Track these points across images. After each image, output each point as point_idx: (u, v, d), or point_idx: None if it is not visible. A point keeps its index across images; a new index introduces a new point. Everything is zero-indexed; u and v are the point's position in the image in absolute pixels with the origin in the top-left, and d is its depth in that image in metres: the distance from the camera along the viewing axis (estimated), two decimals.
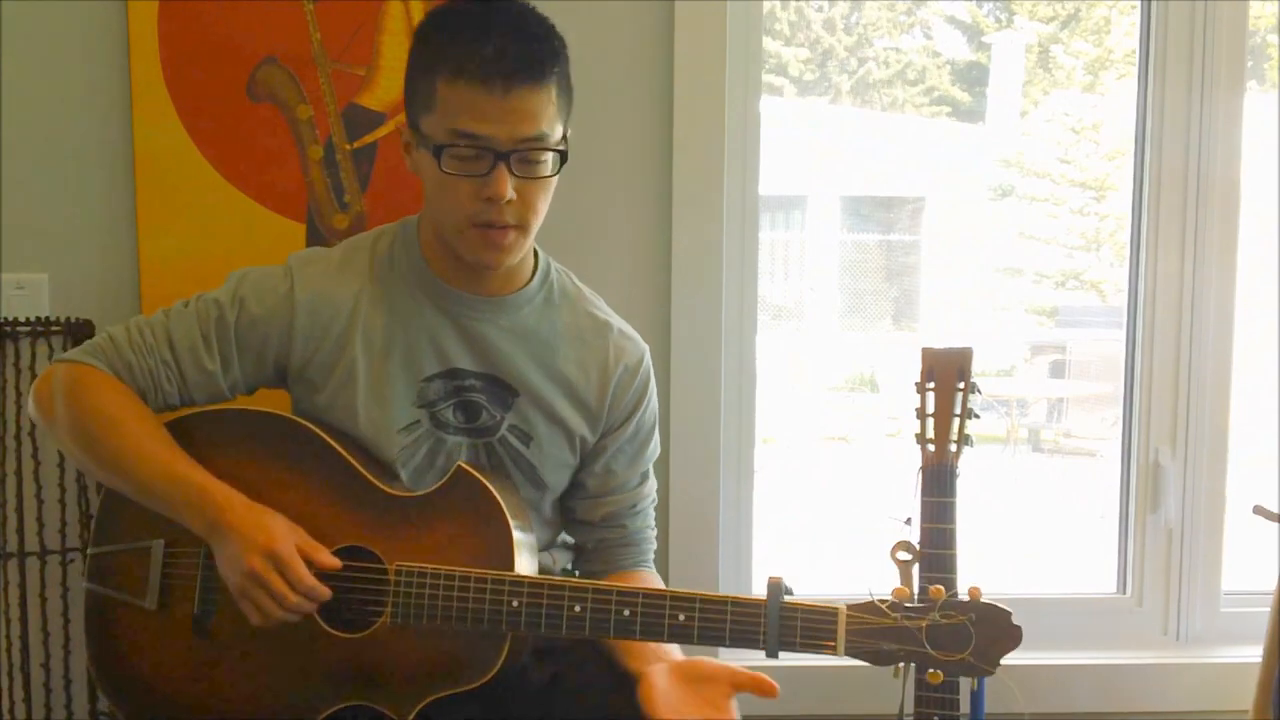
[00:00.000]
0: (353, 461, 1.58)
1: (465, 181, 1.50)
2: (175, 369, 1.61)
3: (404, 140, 1.59)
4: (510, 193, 1.50)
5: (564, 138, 1.54)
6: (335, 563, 1.51)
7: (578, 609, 1.46)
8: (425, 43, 1.55)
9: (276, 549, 1.47)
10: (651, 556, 1.77)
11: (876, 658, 1.40)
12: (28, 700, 2.02)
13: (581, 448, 1.70)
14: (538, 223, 1.58)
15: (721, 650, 1.59)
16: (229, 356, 1.62)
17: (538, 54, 1.50)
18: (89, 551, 1.67)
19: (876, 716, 2.00)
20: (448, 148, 1.49)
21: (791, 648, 1.42)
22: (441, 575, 1.48)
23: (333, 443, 1.59)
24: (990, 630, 1.39)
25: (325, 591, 1.50)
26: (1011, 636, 1.39)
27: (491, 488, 1.52)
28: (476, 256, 1.58)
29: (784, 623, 1.42)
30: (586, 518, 1.74)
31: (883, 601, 1.41)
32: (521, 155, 1.50)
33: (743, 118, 2.14)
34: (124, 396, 1.59)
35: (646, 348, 1.74)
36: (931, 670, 1.40)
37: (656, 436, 1.77)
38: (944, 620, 1.38)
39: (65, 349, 1.99)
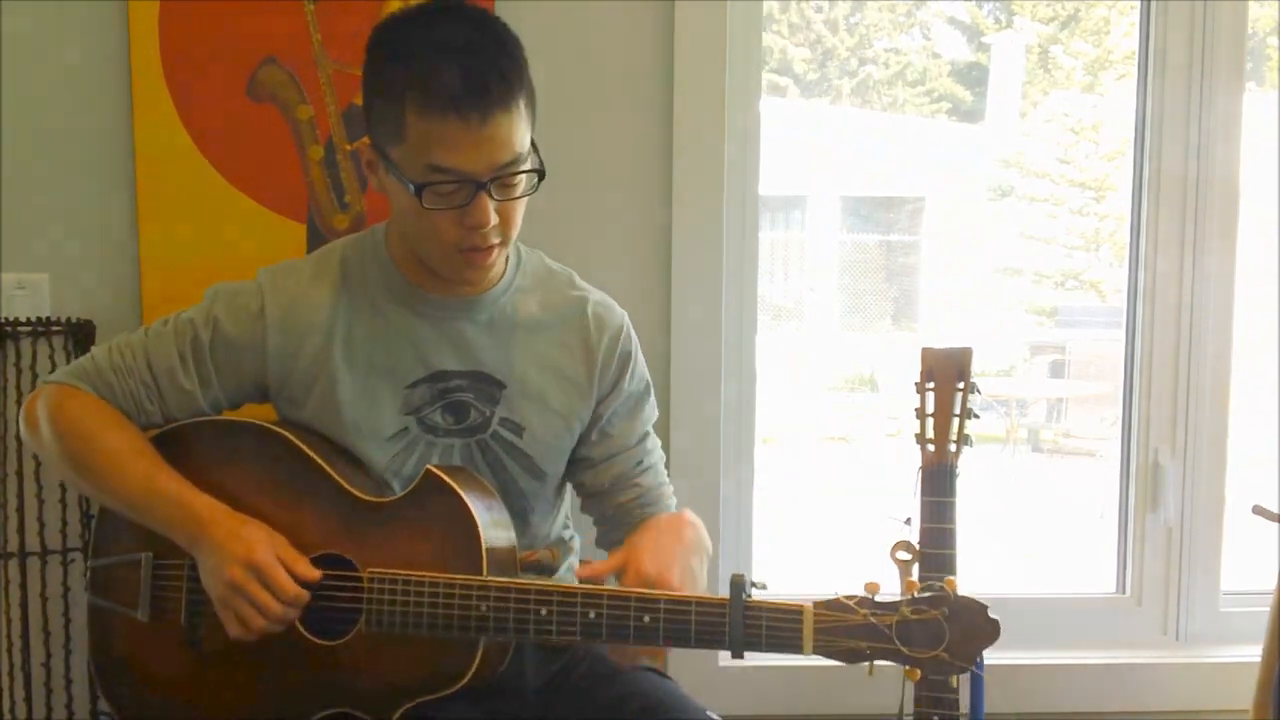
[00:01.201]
0: (328, 469, 1.57)
1: (446, 211, 1.48)
2: (155, 389, 1.61)
3: (366, 159, 1.56)
4: (493, 217, 1.49)
5: (532, 145, 1.51)
6: (314, 573, 1.51)
7: (544, 612, 1.44)
8: (384, 65, 1.49)
9: (256, 559, 1.47)
10: (674, 508, 1.72)
11: (847, 656, 1.35)
12: (28, 700, 2.02)
13: (579, 428, 1.69)
14: (517, 232, 1.56)
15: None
16: (206, 376, 1.61)
17: (506, 73, 1.46)
18: (89, 564, 1.68)
19: (876, 716, 2.00)
20: (428, 186, 1.46)
21: (757, 648, 1.38)
22: (412, 581, 1.47)
23: (309, 450, 1.58)
24: (965, 625, 1.31)
25: (305, 595, 1.49)
26: (988, 631, 1.32)
27: (460, 491, 1.50)
28: (462, 277, 1.57)
29: (748, 623, 1.38)
30: (597, 487, 1.71)
31: (850, 598, 1.35)
32: (501, 180, 1.48)
33: (743, 118, 2.14)
34: (107, 414, 1.59)
35: (624, 313, 1.72)
36: (907, 668, 1.34)
37: (652, 401, 1.74)
38: (914, 616, 1.32)
39: (66, 349, 1.99)
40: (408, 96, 1.44)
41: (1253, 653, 1.95)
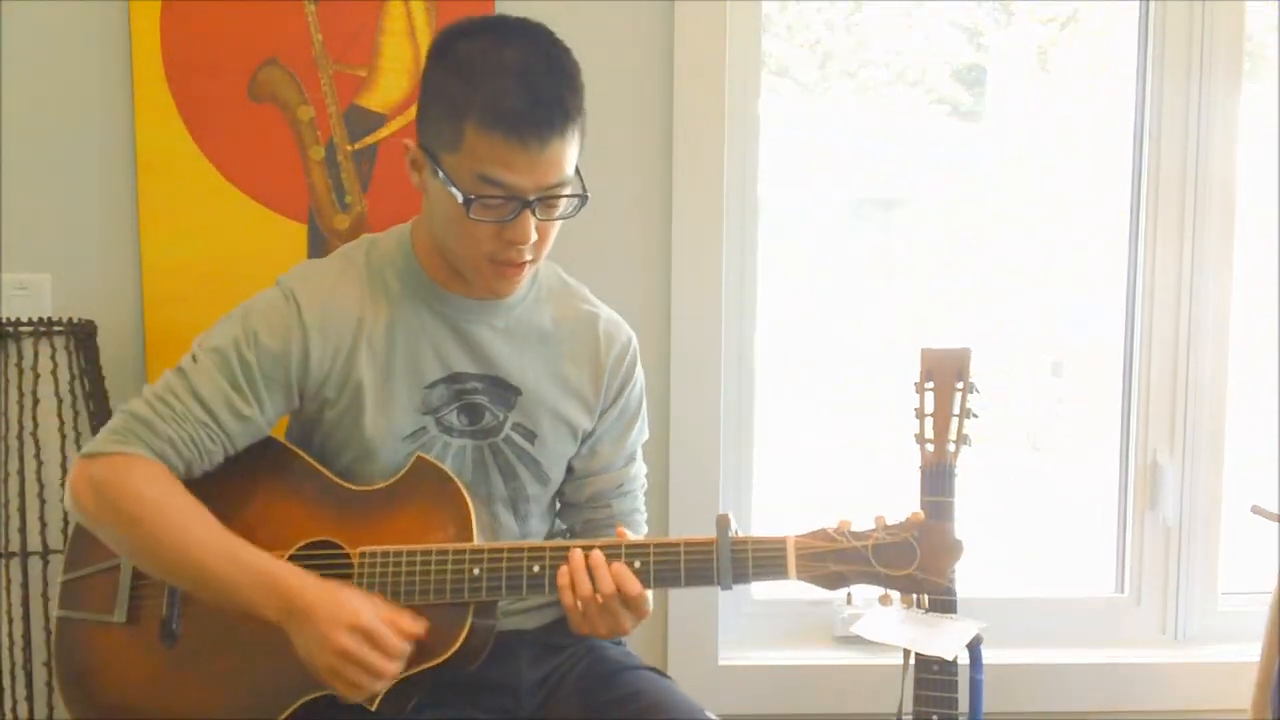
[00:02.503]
0: (314, 463, 1.60)
1: (488, 223, 1.51)
2: (215, 426, 1.55)
3: (410, 157, 1.56)
4: (533, 235, 1.51)
5: (576, 170, 1.54)
6: (419, 627, 1.47)
7: (536, 569, 1.49)
8: (449, 77, 1.50)
9: (363, 623, 1.44)
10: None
11: (828, 581, 1.44)
12: (29, 699, 2.02)
13: (581, 439, 1.71)
14: (548, 250, 1.60)
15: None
16: (260, 396, 1.58)
17: (568, 103, 1.49)
18: (61, 579, 1.67)
19: (876, 716, 2.00)
20: (477, 199, 1.48)
21: (744, 579, 1.46)
22: (404, 553, 1.51)
23: (291, 446, 1.62)
24: (933, 544, 1.43)
25: (409, 649, 1.47)
26: (954, 548, 1.43)
27: (448, 470, 1.57)
28: (490, 287, 1.59)
29: (735, 556, 1.46)
30: (573, 499, 1.75)
31: (828, 528, 1.46)
32: (546, 201, 1.51)
33: (743, 118, 2.14)
34: (165, 483, 1.53)
35: (632, 334, 1.75)
36: (883, 594, 1.45)
37: (644, 422, 1.77)
38: (888, 538, 1.43)
39: (67, 349, 1.99)
40: (470, 112, 1.46)
41: (1251, 652, 1.95)
